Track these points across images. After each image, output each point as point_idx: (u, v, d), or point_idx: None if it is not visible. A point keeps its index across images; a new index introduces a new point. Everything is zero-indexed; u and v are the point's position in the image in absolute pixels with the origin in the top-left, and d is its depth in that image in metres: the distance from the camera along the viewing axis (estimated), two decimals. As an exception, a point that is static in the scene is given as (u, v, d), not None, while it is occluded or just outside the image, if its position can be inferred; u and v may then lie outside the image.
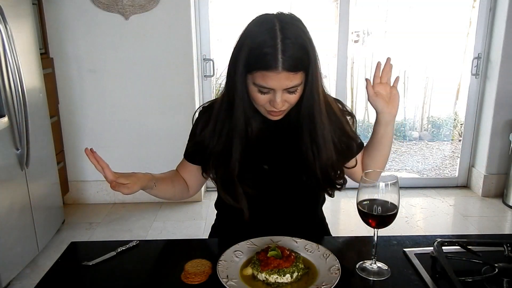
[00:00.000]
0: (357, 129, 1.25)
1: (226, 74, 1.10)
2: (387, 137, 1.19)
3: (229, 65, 1.07)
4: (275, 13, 1.03)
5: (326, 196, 1.34)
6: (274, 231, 1.12)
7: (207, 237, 1.36)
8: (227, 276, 0.93)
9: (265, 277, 0.92)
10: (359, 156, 1.25)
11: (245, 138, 1.11)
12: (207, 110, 1.20)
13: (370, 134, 1.25)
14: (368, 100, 1.15)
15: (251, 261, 0.97)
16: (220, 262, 0.97)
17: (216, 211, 1.35)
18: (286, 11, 1.04)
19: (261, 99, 1.04)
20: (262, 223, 1.19)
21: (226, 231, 1.31)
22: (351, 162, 1.23)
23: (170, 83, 3.11)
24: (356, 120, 1.25)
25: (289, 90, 1.02)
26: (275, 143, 1.17)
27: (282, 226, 1.15)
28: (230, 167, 1.11)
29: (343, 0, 3.17)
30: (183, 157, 1.27)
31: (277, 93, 1.02)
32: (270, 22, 1.00)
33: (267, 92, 1.02)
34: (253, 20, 1.04)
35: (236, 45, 1.04)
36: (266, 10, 1.07)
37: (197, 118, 1.23)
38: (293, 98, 1.05)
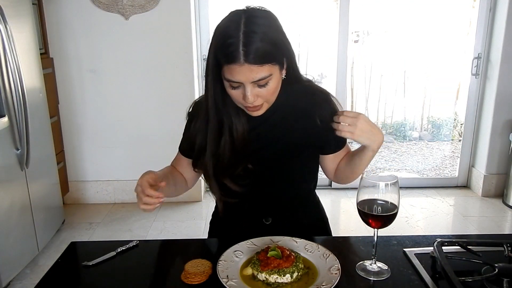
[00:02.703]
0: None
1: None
2: (368, 157, 1.14)
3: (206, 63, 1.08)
4: (245, 7, 1.02)
5: (323, 196, 1.34)
6: (270, 215, 1.22)
7: (207, 237, 1.35)
8: (227, 276, 0.93)
9: (265, 277, 0.92)
10: (338, 155, 1.23)
11: (230, 136, 1.12)
12: (200, 104, 1.19)
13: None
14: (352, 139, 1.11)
15: (251, 261, 0.97)
16: (220, 262, 0.97)
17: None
18: (258, 6, 1.03)
19: (235, 95, 1.03)
20: (257, 208, 1.23)
21: (225, 217, 1.32)
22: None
23: (170, 83, 3.11)
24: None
25: (258, 84, 1.00)
26: (261, 141, 1.17)
27: (276, 211, 1.23)
28: (205, 162, 1.14)
29: (343, 0, 3.18)
30: (177, 151, 1.28)
31: (246, 87, 0.99)
32: (237, 15, 0.99)
33: (237, 87, 1.01)
34: (225, 16, 1.03)
35: (210, 42, 1.04)
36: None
37: (191, 112, 1.23)
38: (265, 92, 1.02)
